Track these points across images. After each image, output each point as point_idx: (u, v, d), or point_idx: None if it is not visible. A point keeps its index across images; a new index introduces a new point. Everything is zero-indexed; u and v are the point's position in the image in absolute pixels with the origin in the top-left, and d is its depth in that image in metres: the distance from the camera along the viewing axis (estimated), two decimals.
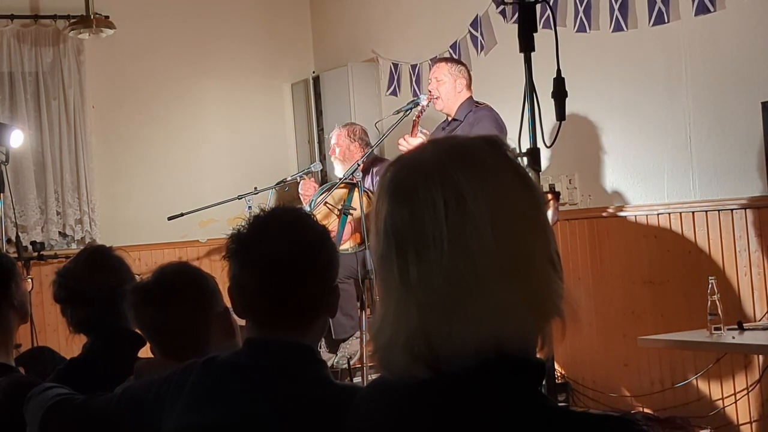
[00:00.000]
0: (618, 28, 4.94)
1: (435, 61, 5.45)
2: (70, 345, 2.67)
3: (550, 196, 3.14)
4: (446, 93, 5.08)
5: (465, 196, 1.17)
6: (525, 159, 3.31)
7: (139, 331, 2.33)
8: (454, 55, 5.95)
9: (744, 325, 3.87)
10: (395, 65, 6.59)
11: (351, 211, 5.53)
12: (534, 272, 1.19)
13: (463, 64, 5.21)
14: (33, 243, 6.38)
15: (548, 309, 1.19)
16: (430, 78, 5.24)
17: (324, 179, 6.78)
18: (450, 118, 5.13)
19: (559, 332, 1.20)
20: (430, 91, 5.16)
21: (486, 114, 4.94)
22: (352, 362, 5.54)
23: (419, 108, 5.09)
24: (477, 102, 5.08)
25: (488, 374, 1.16)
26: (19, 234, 6.33)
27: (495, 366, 1.16)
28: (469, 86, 5.12)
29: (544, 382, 1.25)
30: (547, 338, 1.20)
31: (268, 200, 6.13)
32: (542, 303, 1.19)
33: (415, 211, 1.18)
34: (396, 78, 6.59)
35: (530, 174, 1.39)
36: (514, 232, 1.18)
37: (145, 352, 2.38)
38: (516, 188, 1.22)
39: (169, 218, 6.29)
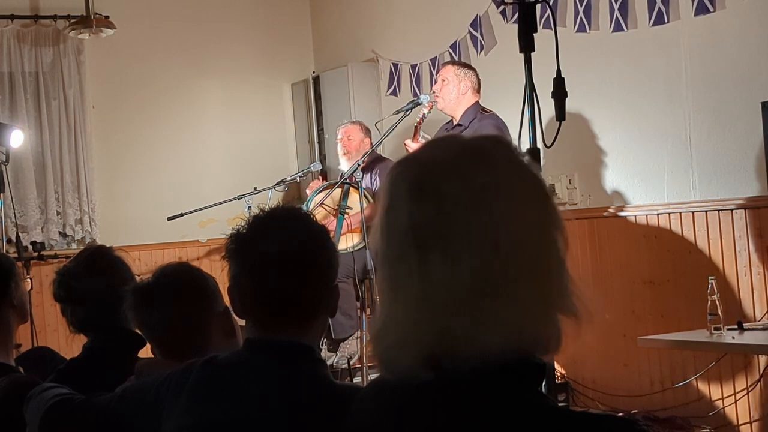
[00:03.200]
0: (618, 28, 4.94)
1: (444, 63, 5.47)
2: (70, 345, 2.67)
3: None
4: (449, 94, 5.08)
5: (490, 194, 1.17)
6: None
7: (139, 332, 2.33)
8: (454, 55, 5.96)
9: (744, 325, 3.86)
10: (395, 65, 6.59)
11: (347, 211, 5.53)
12: (554, 270, 1.19)
13: (472, 69, 5.19)
14: (33, 243, 6.38)
15: (566, 307, 1.19)
16: (436, 78, 5.25)
17: (324, 179, 6.78)
18: (455, 122, 5.13)
19: (574, 330, 1.20)
20: (434, 91, 5.17)
21: (490, 123, 4.92)
22: (352, 362, 5.54)
23: (421, 114, 5.10)
24: (483, 109, 5.07)
25: (489, 375, 1.16)
26: (19, 234, 6.33)
27: (497, 367, 1.16)
28: (476, 91, 5.11)
29: (544, 382, 1.25)
30: (562, 337, 1.20)
31: (268, 200, 6.13)
32: (561, 301, 1.19)
33: (441, 208, 1.17)
34: (396, 78, 6.60)
35: None
36: (534, 230, 1.18)
37: (145, 352, 2.38)
38: (532, 186, 1.22)
39: (169, 218, 6.29)
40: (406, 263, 1.18)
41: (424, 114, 5.11)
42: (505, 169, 1.21)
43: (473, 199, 1.16)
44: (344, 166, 5.94)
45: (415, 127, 5.09)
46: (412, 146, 4.92)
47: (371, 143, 5.87)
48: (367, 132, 6.01)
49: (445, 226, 1.16)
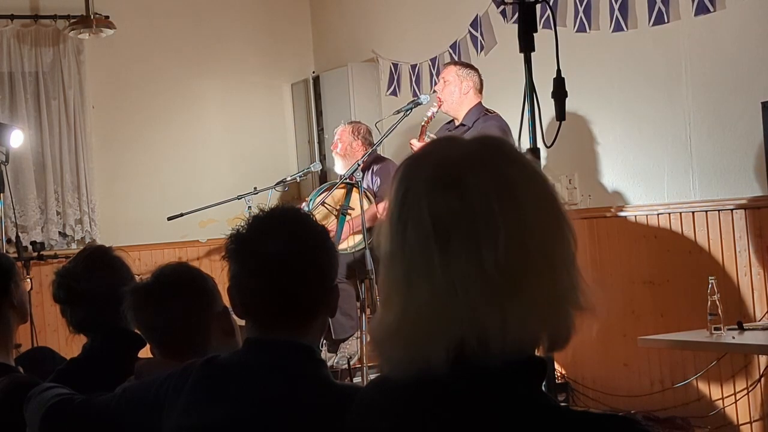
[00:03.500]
0: (618, 28, 4.94)
1: (446, 63, 5.47)
2: (70, 345, 2.67)
3: None
4: (451, 94, 5.08)
5: (514, 186, 1.18)
6: None
7: (138, 332, 2.33)
8: (454, 56, 5.96)
9: (744, 325, 3.86)
10: (395, 65, 6.59)
11: (349, 211, 5.53)
12: (568, 264, 1.20)
13: (473, 69, 5.18)
14: (33, 243, 6.38)
15: (577, 301, 1.20)
16: (438, 79, 5.25)
17: (324, 179, 6.79)
18: (457, 122, 5.12)
19: (582, 325, 1.21)
20: (435, 91, 5.17)
21: (495, 124, 4.91)
22: (352, 362, 5.54)
23: (430, 113, 5.09)
24: (487, 110, 5.06)
25: (491, 374, 1.16)
26: (19, 234, 6.33)
27: (510, 366, 1.16)
28: (478, 91, 5.11)
29: (544, 382, 1.25)
30: (573, 331, 1.21)
31: (268, 200, 6.13)
32: (573, 295, 1.20)
33: (465, 201, 1.17)
34: (396, 78, 6.59)
35: None
36: (551, 224, 1.20)
37: (145, 352, 2.38)
38: (546, 183, 1.23)
39: (169, 218, 6.29)
40: (426, 257, 1.17)
41: (433, 113, 5.10)
42: (523, 165, 1.22)
43: (499, 189, 1.17)
44: (337, 167, 5.92)
45: (422, 126, 5.08)
46: (418, 146, 4.91)
47: (363, 146, 5.81)
48: (358, 135, 5.90)
49: (469, 217, 1.16)
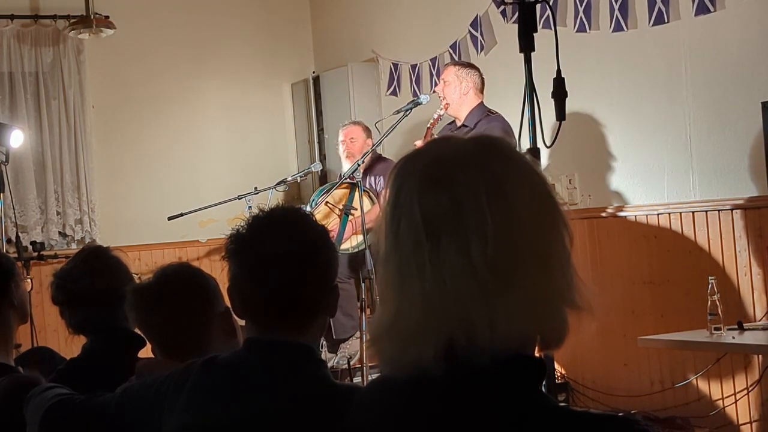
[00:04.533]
0: (618, 28, 4.94)
1: (446, 64, 5.46)
2: (70, 345, 2.67)
3: None
4: (451, 95, 5.07)
5: (506, 184, 1.18)
6: None
7: (139, 332, 2.33)
8: (454, 56, 5.96)
9: (744, 325, 3.87)
10: (395, 65, 6.59)
11: (352, 211, 5.53)
12: (563, 263, 1.20)
13: (474, 68, 5.16)
14: (33, 243, 6.38)
15: (572, 300, 1.20)
16: (438, 80, 5.25)
17: (324, 179, 6.79)
18: (459, 123, 5.12)
19: (578, 324, 1.21)
20: (435, 91, 5.16)
21: (498, 125, 4.89)
22: (352, 362, 5.54)
23: (436, 115, 5.09)
24: (489, 111, 5.04)
25: (491, 373, 1.16)
26: (19, 234, 6.33)
27: (500, 365, 1.16)
28: (479, 91, 5.09)
29: (544, 382, 1.25)
30: (568, 330, 1.21)
31: (268, 200, 6.12)
32: (568, 294, 1.20)
33: (455, 198, 1.17)
34: (396, 78, 6.60)
35: None
36: (545, 222, 1.20)
37: (145, 352, 2.38)
38: (542, 182, 1.23)
39: (169, 218, 6.29)
40: (418, 254, 1.17)
41: (439, 115, 5.09)
42: (517, 164, 1.22)
43: (489, 187, 1.17)
44: (345, 167, 5.92)
45: (428, 128, 5.07)
46: None
47: (373, 144, 5.86)
48: (369, 133, 5.99)
49: (459, 214, 1.16)
